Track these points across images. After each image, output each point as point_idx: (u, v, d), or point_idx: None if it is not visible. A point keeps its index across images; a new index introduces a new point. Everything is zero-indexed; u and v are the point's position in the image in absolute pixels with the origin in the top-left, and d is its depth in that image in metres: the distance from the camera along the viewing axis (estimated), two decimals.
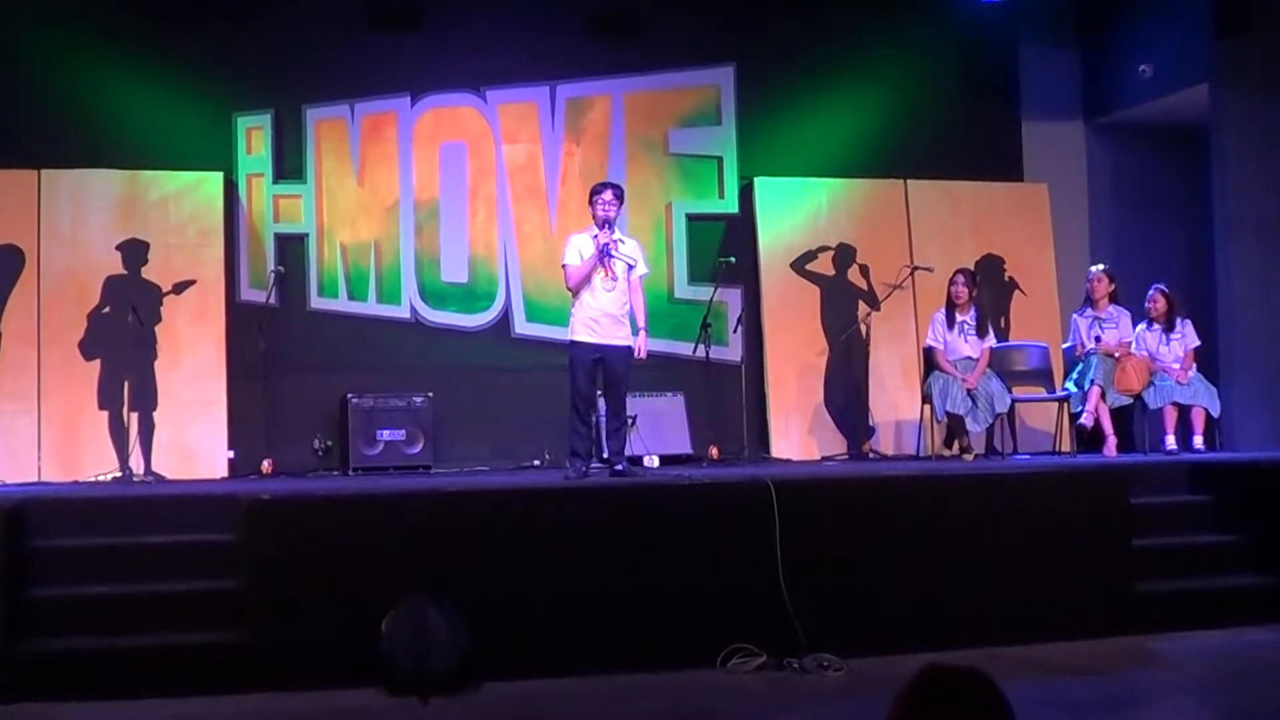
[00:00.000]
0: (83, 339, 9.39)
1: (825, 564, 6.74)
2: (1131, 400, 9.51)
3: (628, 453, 8.37)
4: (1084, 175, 11.67)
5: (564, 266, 8.00)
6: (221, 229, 9.79)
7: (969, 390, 9.26)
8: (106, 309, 9.43)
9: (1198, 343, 9.75)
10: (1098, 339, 9.58)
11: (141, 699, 5.81)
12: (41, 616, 6.11)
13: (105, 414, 9.34)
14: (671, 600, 6.53)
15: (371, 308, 10.31)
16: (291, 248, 10.17)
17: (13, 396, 9.21)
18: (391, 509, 6.57)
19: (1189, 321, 9.79)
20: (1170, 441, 9.38)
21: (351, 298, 10.28)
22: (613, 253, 7.86)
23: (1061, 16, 11.70)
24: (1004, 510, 7.17)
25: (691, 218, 10.88)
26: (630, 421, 8.83)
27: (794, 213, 10.90)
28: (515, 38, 10.49)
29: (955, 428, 9.50)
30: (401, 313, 10.35)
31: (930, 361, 9.73)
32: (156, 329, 9.53)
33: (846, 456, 10.31)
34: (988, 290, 10.57)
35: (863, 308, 10.60)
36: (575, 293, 7.92)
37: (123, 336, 9.27)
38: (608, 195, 7.91)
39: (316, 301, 10.21)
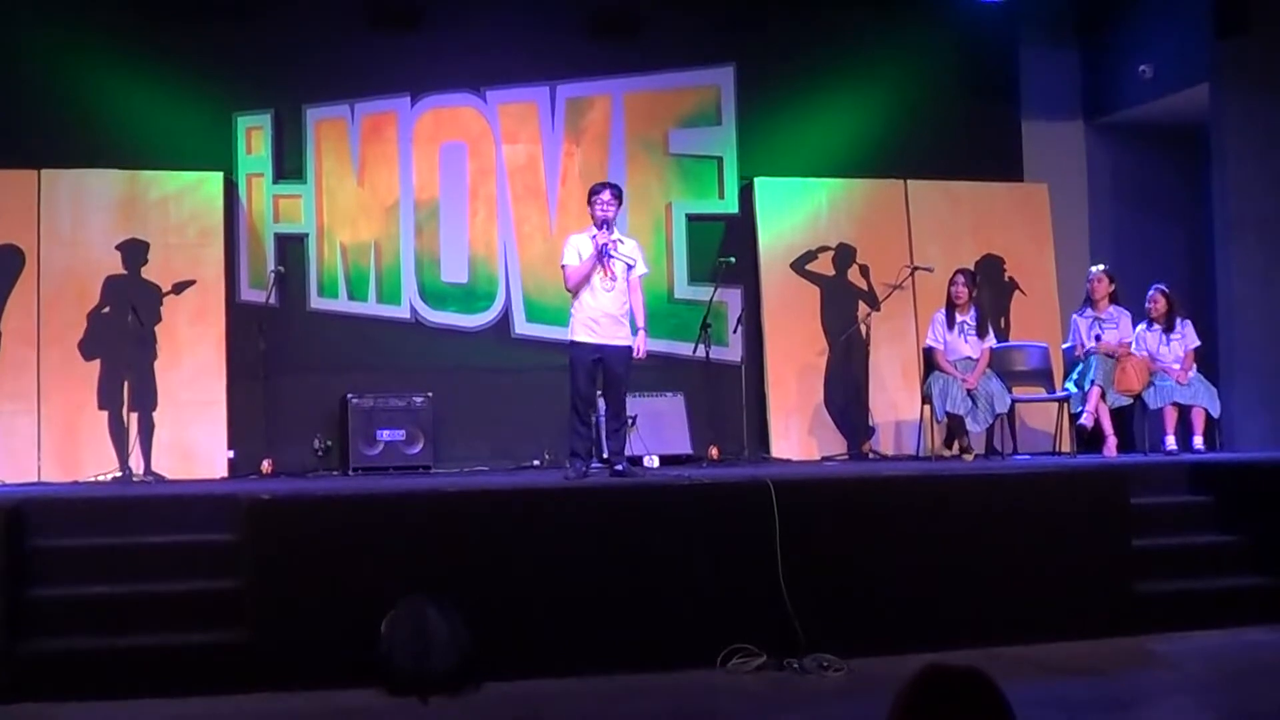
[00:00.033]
0: (83, 339, 9.39)
1: (825, 564, 6.74)
2: (1131, 400, 9.51)
3: (628, 453, 8.37)
4: (1084, 175, 11.67)
5: (563, 267, 8.00)
6: (221, 229, 9.79)
7: (969, 390, 9.26)
8: (106, 309, 9.43)
9: (1198, 343, 9.75)
10: (1098, 338, 9.58)
11: (141, 699, 5.81)
12: (41, 616, 6.11)
13: (105, 414, 9.34)
14: (671, 600, 6.53)
15: (371, 308, 10.31)
16: (291, 248, 10.17)
17: (13, 396, 9.21)
18: (391, 509, 6.57)
19: (1189, 322, 9.79)
20: (1170, 442, 9.39)
21: (351, 298, 10.28)
22: (611, 253, 7.85)
23: (1061, 16, 11.70)
24: (1004, 510, 7.17)
25: (691, 218, 10.88)
26: (630, 422, 8.83)
27: (794, 213, 10.90)
28: (515, 38, 10.49)
29: (955, 428, 9.50)
30: (401, 313, 10.35)
31: (930, 362, 9.73)
32: (156, 329, 9.53)
33: (846, 457, 10.31)
34: (988, 290, 10.57)
35: (863, 308, 10.60)
36: (574, 293, 7.92)
37: (123, 336, 9.27)
38: (606, 195, 7.91)
39: (316, 301, 10.21)
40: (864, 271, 10.84)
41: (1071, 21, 11.74)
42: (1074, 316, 9.96)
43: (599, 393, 8.11)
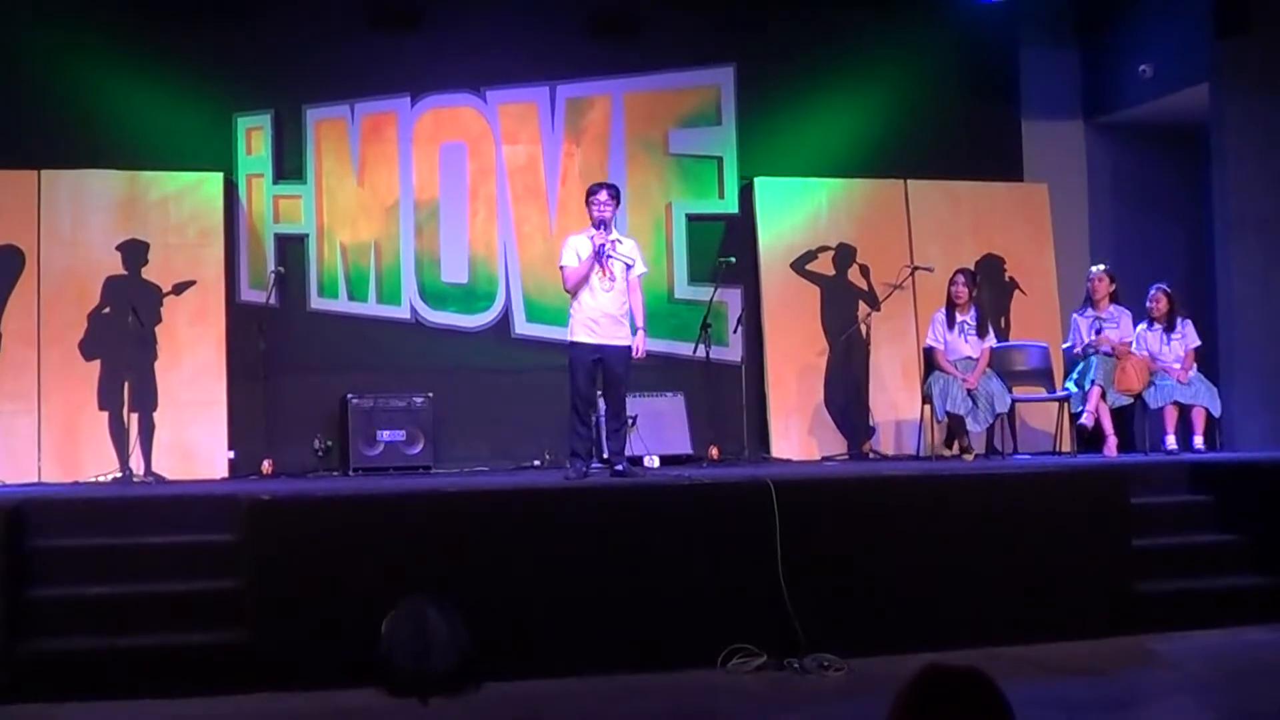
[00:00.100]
0: (83, 339, 9.39)
1: (825, 564, 6.74)
2: (1132, 400, 9.51)
3: (628, 453, 8.37)
4: (1084, 175, 11.67)
5: (561, 268, 8.00)
6: (221, 229, 9.79)
7: (969, 390, 9.26)
8: (106, 309, 9.43)
9: (1198, 343, 9.76)
10: (1098, 331, 9.57)
11: (141, 699, 5.81)
12: (41, 616, 6.11)
13: (105, 414, 9.34)
14: (671, 600, 6.52)
15: (371, 308, 10.31)
16: (291, 248, 10.17)
17: (13, 397, 9.21)
18: (391, 509, 6.57)
19: (1189, 321, 9.80)
20: (1170, 441, 9.39)
21: (351, 298, 10.28)
22: (610, 253, 7.86)
23: (1061, 16, 11.70)
24: (1004, 510, 7.17)
25: (691, 218, 10.87)
26: (630, 422, 8.83)
27: (794, 213, 10.90)
28: (515, 38, 10.48)
29: (955, 428, 9.50)
30: (401, 313, 10.35)
31: (930, 361, 9.73)
32: (156, 329, 9.53)
33: (847, 456, 10.31)
34: (988, 290, 10.57)
35: (863, 308, 10.60)
36: (574, 294, 7.92)
37: (123, 337, 9.27)
38: (603, 196, 7.91)
39: (316, 302, 10.21)
40: (864, 271, 10.84)
41: (1071, 21, 11.74)
42: (1074, 316, 9.96)
43: (599, 393, 8.11)
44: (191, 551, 6.54)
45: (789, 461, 10.25)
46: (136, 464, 9.25)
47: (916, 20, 11.20)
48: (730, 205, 10.95)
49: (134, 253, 9.55)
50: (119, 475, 9.07)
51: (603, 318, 7.85)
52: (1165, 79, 10.79)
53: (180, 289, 9.60)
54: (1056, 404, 10.05)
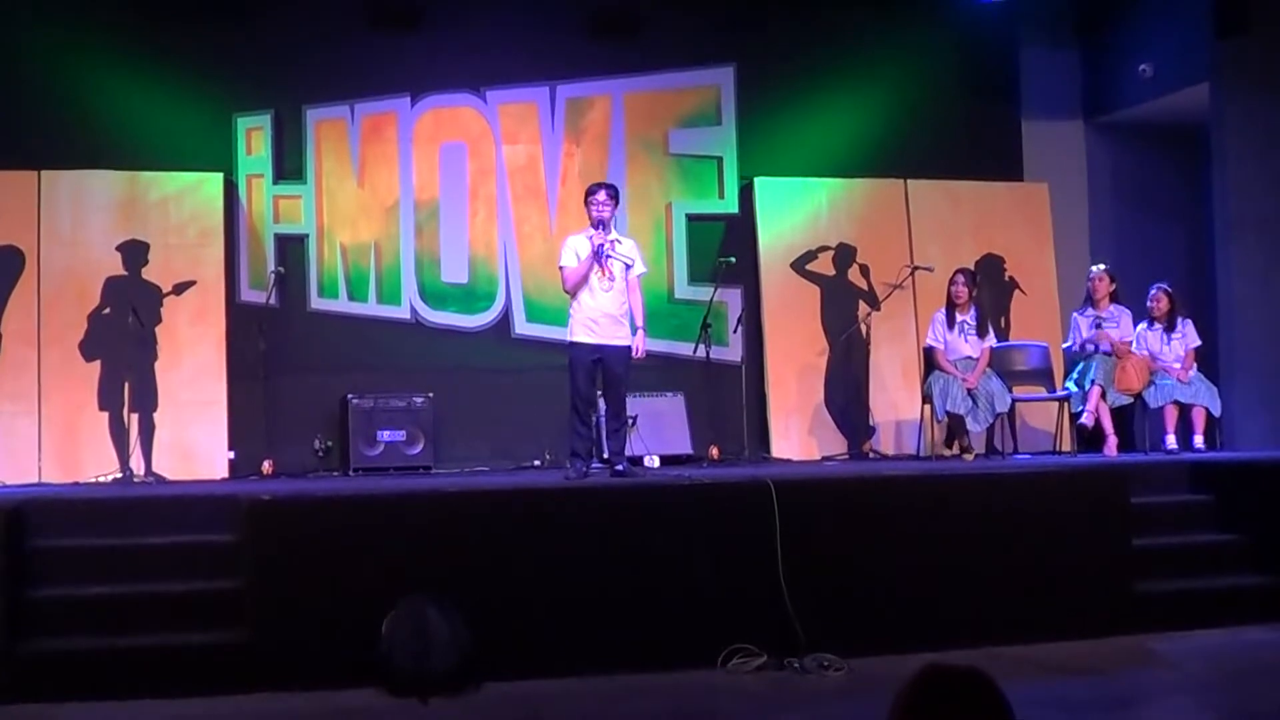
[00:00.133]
0: (83, 340, 9.39)
1: (825, 564, 6.74)
2: (1132, 400, 9.51)
3: (628, 453, 8.37)
4: (1084, 175, 11.67)
5: (561, 268, 8.00)
6: (221, 229, 9.79)
7: (969, 390, 9.26)
8: (107, 310, 9.43)
9: (1198, 342, 9.76)
10: (1098, 324, 9.57)
11: (141, 699, 5.81)
12: (41, 616, 6.11)
13: (105, 415, 9.34)
14: (672, 600, 6.52)
15: (371, 308, 10.31)
16: (291, 248, 10.17)
17: (13, 397, 9.21)
18: (392, 509, 6.57)
19: (1190, 321, 9.80)
20: (1171, 441, 9.39)
21: (351, 298, 10.28)
22: (609, 253, 7.86)
23: (1061, 16, 11.70)
24: (1004, 510, 7.17)
25: (691, 218, 10.88)
26: (631, 422, 8.83)
27: (794, 213, 10.90)
28: (515, 38, 10.49)
29: (955, 427, 9.50)
30: (401, 313, 10.35)
31: (930, 361, 9.73)
32: (157, 330, 9.53)
33: (847, 456, 10.31)
34: (988, 290, 10.57)
35: (863, 308, 10.60)
36: (573, 294, 7.92)
37: (123, 337, 9.27)
38: (601, 196, 7.91)
39: (316, 302, 10.21)
40: (864, 271, 10.84)
41: (1071, 21, 11.74)
42: (1074, 315, 9.96)
43: (599, 393, 8.11)
44: (191, 551, 6.54)
45: (789, 461, 10.25)
46: (137, 464, 9.25)
47: (916, 20, 11.20)
48: (730, 205, 10.95)
49: (134, 253, 9.55)
50: (119, 475, 9.08)
51: (602, 318, 7.85)
52: (1165, 79, 10.79)
53: (180, 289, 9.61)
54: (1056, 404, 10.05)
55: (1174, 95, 10.75)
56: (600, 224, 7.86)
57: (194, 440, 9.50)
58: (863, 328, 10.53)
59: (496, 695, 5.95)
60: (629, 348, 7.92)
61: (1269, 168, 10.14)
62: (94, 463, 9.19)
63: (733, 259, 10.26)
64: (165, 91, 9.78)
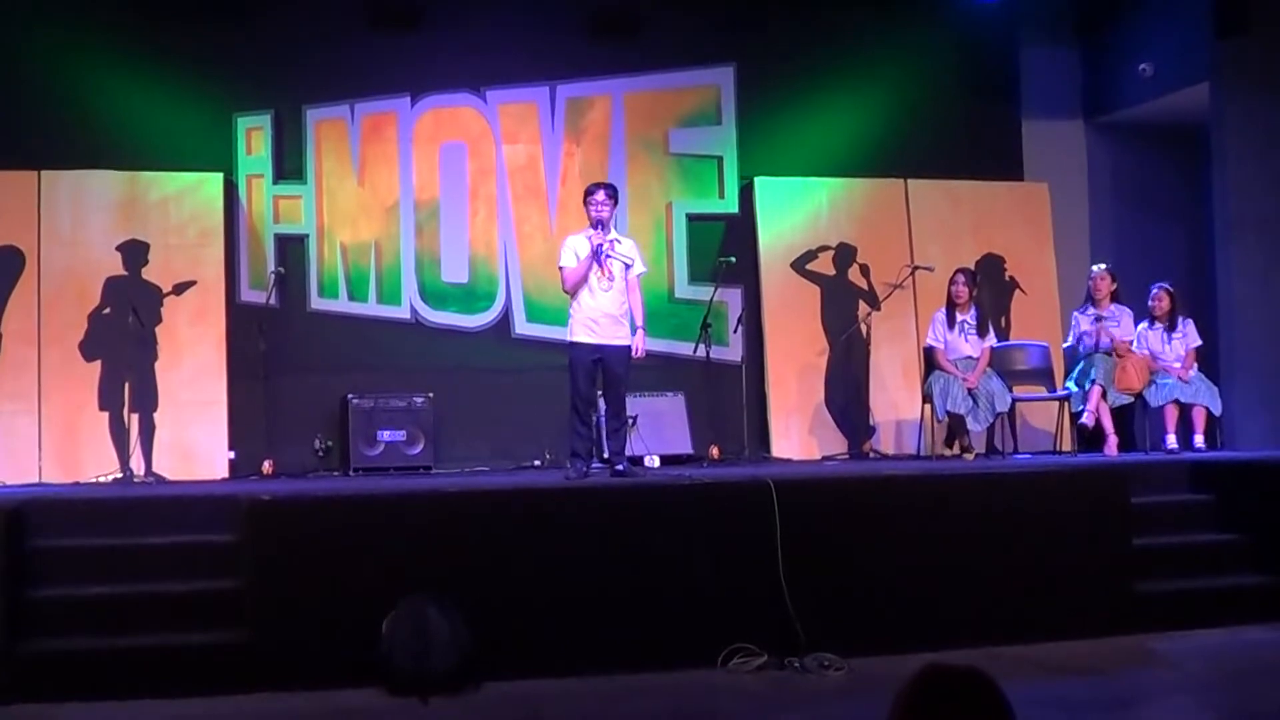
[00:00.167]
0: (83, 340, 9.39)
1: (825, 564, 6.74)
2: (1132, 399, 9.51)
3: (628, 453, 8.37)
4: (1084, 174, 11.68)
5: (560, 268, 8.00)
6: (222, 229, 9.79)
7: (969, 389, 9.26)
8: (107, 310, 9.43)
9: (1199, 342, 9.76)
10: (1098, 319, 9.56)
11: (141, 699, 5.81)
12: (41, 616, 6.11)
13: (106, 415, 9.34)
14: (672, 600, 6.52)
15: (372, 308, 10.31)
16: (292, 248, 10.17)
17: (13, 397, 9.21)
18: (392, 509, 6.57)
19: (1191, 321, 9.80)
20: (1171, 440, 9.38)
21: (352, 298, 10.28)
22: (608, 253, 7.86)
23: (1061, 16, 11.70)
24: (1004, 510, 7.17)
25: (692, 217, 10.88)
26: (631, 421, 8.83)
27: (794, 212, 10.90)
28: (515, 38, 10.48)
29: (956, 427, 9.50)
30: (402, 313, 10.35)
31: (931, 361, 9.73)
32: (157, 330, 9.53)
33: (847, 456, 10.31)
34: (988, 290, 10.57)
35: (863, 307, 10.60)
36: (573, 294, 7.92)
37: (123, 337, 9.27)
38: (600, 196, 7.91)
39: (317, 302, 10.21)
40: (864, 271, 10.84)
41: (1071, 21, 11.74)
42: (1074, 314, 9.95)
43: (599, 393, 8.11)
44: (192, 551, 6.54)
45: (789, 461, 10.25)
46: (137, 464, 9.25)
47: (916, 20, 11.20)
48: (730, 205, 10.95)
49: (134, 253, 9.55)
50: (119, 475, 9.08)
51: (602, 317, 7.85)
52: (1165, 79, 10.79)
53: (180, 289, 9.61)
54: (1057, 403, 10.05)
55: (1174, 95, 10.75)
56: (599, 224, 7.87)
57: (194, 440, 9.50)
58: (863, 327, 10.53)
59: (496, 695, 5.95)
60: (629, 347, 7.92)
61: (1269, 168, 10.14)
62: (94, 463, 9.19)
63: (733, 259, 10.26)
64: (165, 91, 9.78)
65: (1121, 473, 7.60)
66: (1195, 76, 10.47)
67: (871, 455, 10.26)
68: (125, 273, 9.53)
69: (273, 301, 9.73)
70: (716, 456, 9.75)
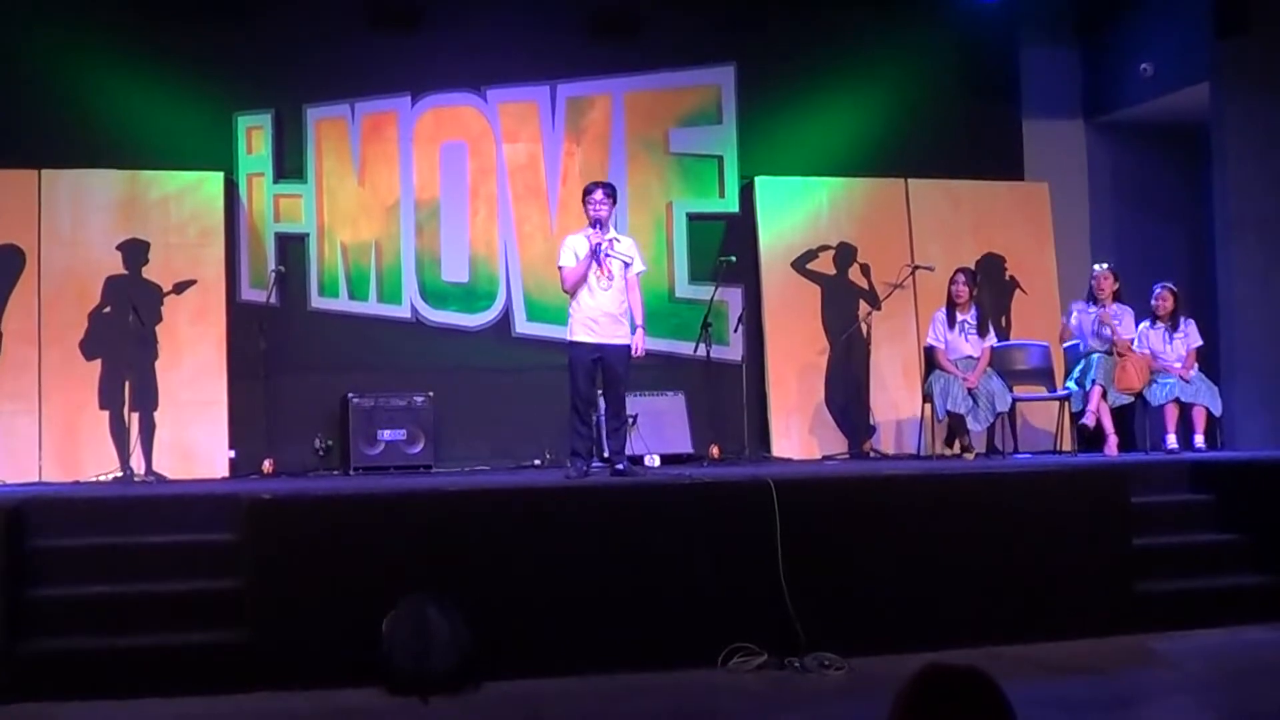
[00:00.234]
0: (83, 339, 9.39)
1: (826, 563, 6.74)
2: (1132, 399, 9.51)
3: (629, 452, 8.37)
4: (1084, 174, 11.68)
5: (560, 268, 8.00)
6: (222, 229, 9.79)
7: (970, 389, 9.26)
8: (107, 309, 9.43)
9: (1200, 342, 9.75)
10: (1094, 301, 9.55)
11: (141, 699, 5.81)
12: (41, 616, 6.11)
13: (106, 414, 9.34)
14: (672, 600, 6.52)
15: (372, 307, 10.31)
16: (292, 247, 10.17)
17: (13, 396, 9.21)
18: (392, 509, 6.57)
19: (1193, 321, 9.79)
20: (1171, 440, 9.38)
21: (352, 297, 10.28)
22: (607, 252, 7.86)
23: (1061, 16, 11.71)
24: (1004, 510, 7.17)
25: (692, 217, 10.87)
26: (631, 421, 8.83)
27: (795, 212, 10.90)
28: (515, 38, 10.48)
29: (956, 427, 9.50)
30: (402, 312, 10.35)
31: (931, 360, 9.73)
32: (157, 329, 9.53)
33: (847, 456, 10.31)
34: (988, 289, 10.57)
35: (863, 307, 10.60)
36: (572, 293, 7.92)
37: (123, 336, 9.27)
38: (598, 195, 7.91)
39: (317, 301, 10.21)
40: (865, 270, 10.84)
41: (1071, 21, 11.74)
42: (1073, 304, 9.94)
43: (599, 392, 8.11)
44: (192, 551, 6.54)
45: (789, 461, 10.25)
46: (137, 463, 9.25)
47: (916, 20, 11.20)
48: (731, 204, 10.95)
49: (134, 252, 9.55)
50: (119, 475, 9.08)
51: (602, 317, 7.85)
52: (1165, 79, 10.79)
53: (181, 288, 9.61)
54: (1057, 403, 10.05)
55: (1174, 95, 10.75)
56: (598, 223, 7.87)
57: (194, 439, 9.50)
58: (863, 327, 10.53)
59: (496, 695, 5.95)
60: (629, 346, 7.92)
61: (1269, 168, 10.14)
62: (94, 462, 9.19)
63: (733, 258, 10.26)
64: (165, 91, 9.78)
65: (1121, 473, 7.60)
66: (1195, 76, 10.47)
67: (871, 455, 10.25)
68: (125, 272, 9.53)
69: (273, 301, 9.73)
70: (716, 456, 9.74)
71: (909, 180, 11.08)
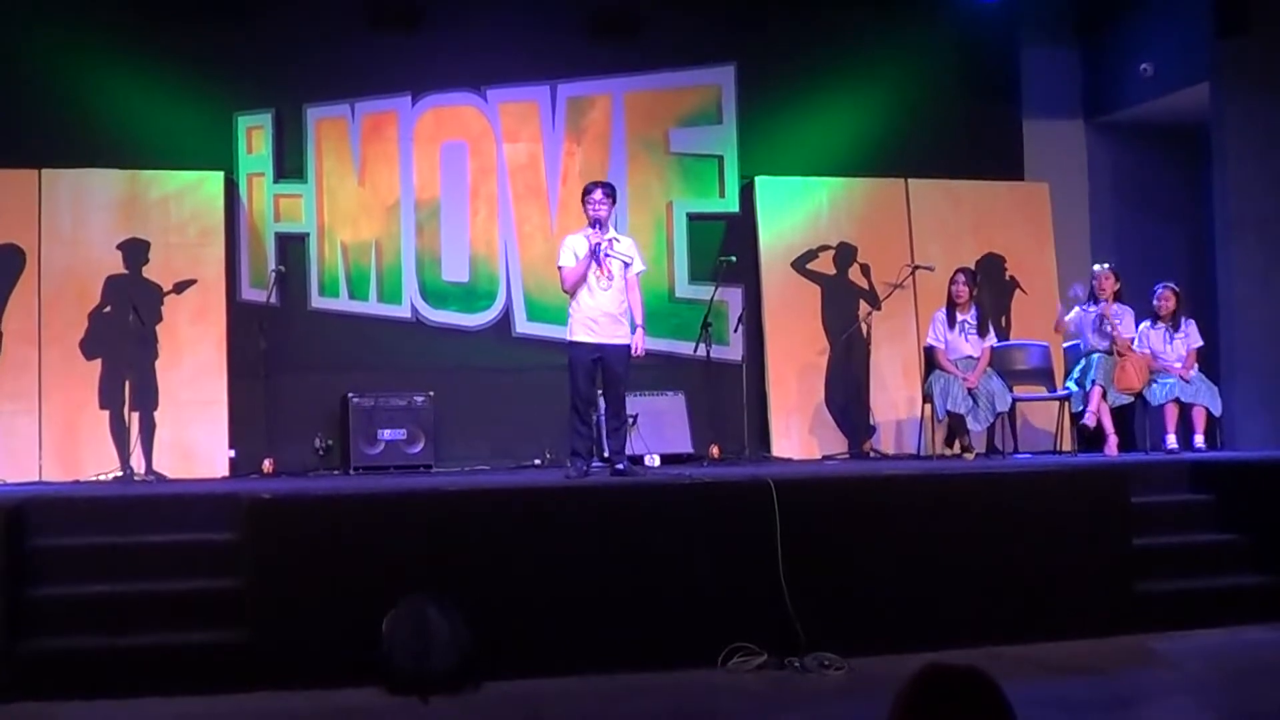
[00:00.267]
0: (83, 338, 9.39)
1: (826, 563, 6.74)
2: (1132, 399, 9.51)
3: (629, 452, 8.37)
4: (1085, 174, 11.68)
5: (559, 268, 8.00)
6: (222, 228, 9.79)
7: (970, 389, 9.27)
8: (107, 308, 9.43)
9: (1200, 342, 9.75)
10: (1100, 317, 9.55)
11: (141, 699, 5.81)
12: (41, 616, 6.11)
13: (106, 413, 9.34)
14: (672, 600, 6.52)
15: (372, 307, 10.31)
16: (292, 247, 10.17)
17: (13, 396, 9.21)
18: (392, 509, 6.57)
19: (1193, 321, 9.79)
20: (1171, 440, 9.38)
21: (352, 297, 10.28)
22: (607, 252, 7.86)
23: (1062, 16, 11.71)
24: (1004, 510, 7.17)
25: (692, 217, 10.87)
26: (631, 420, 8.83)
27: (795, 212, 10.90)
28: (515, 37, 10.48)
29: (956, 427, 9.50)
30: (402, 312, 10.35)
31: (931, 360, 9.73)
32: (157, 328, 9.53)
33: (847, 456, 10.31)
34: (988, 289, 10.56)
35: (863, 307, 10.60)
36: (572, 293, 7.92)
37: (124, 336, 9.27)
38: (598, 195, 7.92)
39: (317, 301, 10.21)
40: (865, 270, 10.84)
41: (1071, 21, 11.74)
42: (1073, 286, 9.94)
43: (599, 392, 8.11)
44: (192, 551, 6.54)
45: (789, 461, 10.25)
46: (137, 463, 9.25)
47: (916, 20, 11.20)
48: (731, 204, 10.95)
49: (135, 252, 9.55)
50: (120, 474, 9.07)
51: (602, 317, 7.85)
52: (1165, 79, 10.79)
53: (181, 288, 9.61)
54: (1057, 403, 10.05)
55: (1174, 95, 10.75)
56: (597, 223, 7.87)
57: (194, 439, 9.50)
58: (863, 327, 10.53)
59: (496, 695, 5.95)
60: (629, 346, 7.92)
61: (1269, 168, 10.14)
62: (94, 461, 9.19)
63: (733, 258, 10.26)
64: (165, 90, 9.78)
65: (1121, 473, 7.60)
66: (1195, 76, 10.47)
67: (871, 455, 10.26)
68: (126, 271, 9.53)
69: (273, 300, 9.73)
70: (716, 456, 9.75)
71: (909, 180, 11.08)
